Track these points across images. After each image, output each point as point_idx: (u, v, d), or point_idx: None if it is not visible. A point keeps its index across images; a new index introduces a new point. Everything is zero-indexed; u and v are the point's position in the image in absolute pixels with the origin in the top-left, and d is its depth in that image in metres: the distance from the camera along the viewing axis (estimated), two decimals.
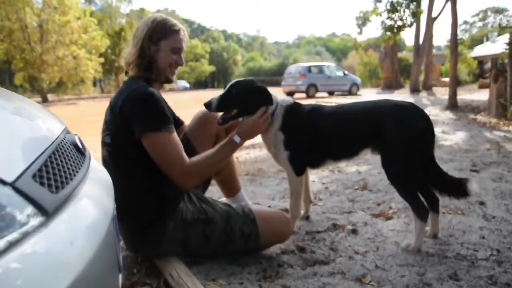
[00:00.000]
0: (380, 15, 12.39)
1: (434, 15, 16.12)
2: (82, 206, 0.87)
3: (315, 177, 3.35)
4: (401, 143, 1.83)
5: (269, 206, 2.32)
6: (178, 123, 2.08)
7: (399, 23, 12.04)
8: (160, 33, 1.75)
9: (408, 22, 12.06)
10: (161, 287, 1.64)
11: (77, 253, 0.72)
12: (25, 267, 0.61)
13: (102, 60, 26.16)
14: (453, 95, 9.53)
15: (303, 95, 16.87)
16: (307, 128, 1.97)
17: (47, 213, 0.72)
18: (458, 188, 1.86)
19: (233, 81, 1.95)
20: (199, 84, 45.89)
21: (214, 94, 1.98)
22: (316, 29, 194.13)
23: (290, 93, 16.95)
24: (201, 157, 1.70)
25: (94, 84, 37.22)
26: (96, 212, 0.91)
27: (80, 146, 1.10)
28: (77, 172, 0.95)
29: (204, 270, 1.72)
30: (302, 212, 2.27)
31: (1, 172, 0.70)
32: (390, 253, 1.85)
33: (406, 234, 2.07)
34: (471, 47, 21.36)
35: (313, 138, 1.97)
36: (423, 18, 15.54)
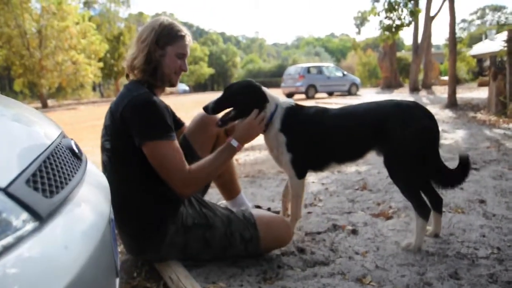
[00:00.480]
0: (378, 15, 12.38)
1: (432, 14, 16.14)
2: (77, 210, 0.87)
3: (314, 178, 3.34)
4: (406, 142, 1.81)
5: (268, 209, 2.31)
6: (178, 124, 2.08)
7: (397, 22, 12.01)
8: (166, 38, 1.73)
9: (406, 21, 12.04)
10: None
11: (71, 257, 0.72)
12: (18, 272, 0.61)
13: (101, 64, 26.22)
14: (452, 94, 9.53)
15: (303, 96, 16.87)
16: (310, 130, 1.95)
17: (41, 218, 0.72)
18: (457, 171, 1.87)
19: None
20: (199, 87, 46.02)
21: (213, 97, 1.98)
22: (315, 30, 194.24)
23: (290, 94, 16.97)
24: (200, 164, 1.69)
25: (94, 89, 37.39)
26: (92, 216, 0.91)
27: (76, 151, 1.10)
28: (73, 176, 0.95)
29: (204, 273, 1.72)
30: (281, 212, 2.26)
31: None
32: (390, 253, 1.85)
33: (406, 233, 2.06)
34: (469, 45, 21.43)
35: (317, 140, 1.95)
36: (421, 17, 15.58)
